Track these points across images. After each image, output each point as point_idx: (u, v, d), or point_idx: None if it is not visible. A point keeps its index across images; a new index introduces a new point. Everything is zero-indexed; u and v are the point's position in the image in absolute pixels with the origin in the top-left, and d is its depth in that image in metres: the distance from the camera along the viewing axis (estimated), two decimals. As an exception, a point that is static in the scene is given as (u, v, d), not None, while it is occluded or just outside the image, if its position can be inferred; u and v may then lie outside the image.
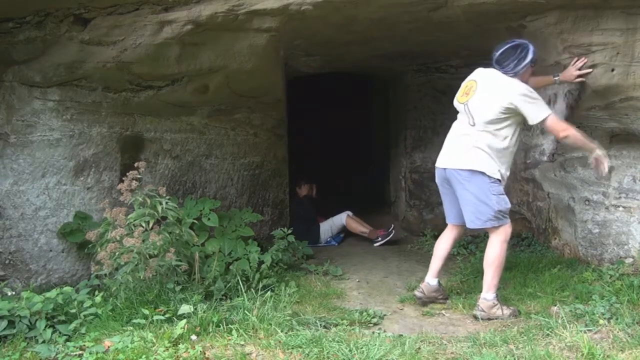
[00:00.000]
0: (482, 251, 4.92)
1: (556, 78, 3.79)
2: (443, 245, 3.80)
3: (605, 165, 3.45)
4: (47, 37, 3.60)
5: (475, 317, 3.39)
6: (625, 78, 3.58)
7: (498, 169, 3.41)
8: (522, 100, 3.34)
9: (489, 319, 3.35)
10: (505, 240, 3.45)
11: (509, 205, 3.46)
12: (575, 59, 3.72)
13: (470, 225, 3.52)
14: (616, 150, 4.08)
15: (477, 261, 4.58)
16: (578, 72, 3.69)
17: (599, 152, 3.46)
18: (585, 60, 3.68)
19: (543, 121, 3.37)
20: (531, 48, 3.42)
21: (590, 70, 3.67)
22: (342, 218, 5.99)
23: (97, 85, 3.91)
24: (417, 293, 3.76)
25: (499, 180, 3.42)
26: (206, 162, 4.71)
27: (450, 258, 5.04)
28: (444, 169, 3.57)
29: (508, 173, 3.53)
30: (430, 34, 4.48)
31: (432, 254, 5.27)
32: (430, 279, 3.74)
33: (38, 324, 2.90)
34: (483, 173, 3.37)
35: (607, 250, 4.15)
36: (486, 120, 3.39)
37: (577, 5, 3.57)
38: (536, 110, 3.36)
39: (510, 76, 3.41)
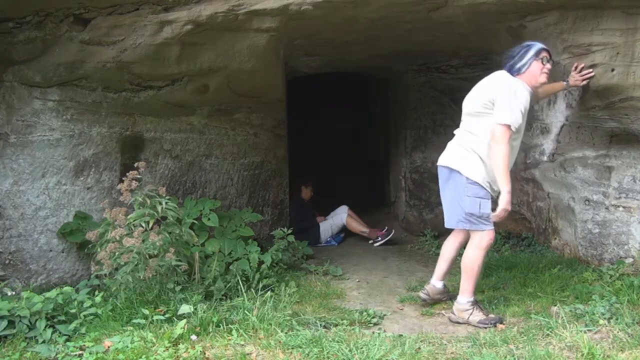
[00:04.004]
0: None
1: (566, 83, 3.74)
2: (449, 247, 3.66)
3: (503, 212, 3.18)
4: (47, 37, 3.60)
5: (450, 319, 3.41)
6: (625, 78, 3.57)
7: (482, 173, 3.26)
8: (502, 93, 3.20)
9: (458, 323, 3.35)
10: (480, 246, 3.30)
11: (487, 211, 3.26)
12: (575, 64, 3.70)
13: (445, 224, 3.47)
14: (616, 150, 4.08)
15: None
16: (581, 77, 3.67)
17: (505, 196, 3.16)
18: (583, 65, 3.66)
19: (497, 124, 3.17)
20: (536, 45, 3.32)
21: (592, 73, 3.64)
22: (343, 218, 5.99)
23: (97, 85, 3.90)
24: (421, 294, 3.71)
25: (477, 183, 3.26)
26: (206, 162, 4.72)
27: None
28: (437, 166, 3.56)
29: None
30: (430, 34, 4.49)
31: (432, 254, 5.33)
32: (436, 281, 3.67)
33: (38, 324, 2.90)
34: (459, 172, 3.30)
35: (607, 250, 4.15)
36: (468, 112, 3.37)
37: (577, 5, 3.57)
38: (504, 111, 3.17)
39: (514, 75, 3.31)
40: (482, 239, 3.30)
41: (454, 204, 3.36)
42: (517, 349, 2.71)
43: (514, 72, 3.31)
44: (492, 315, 3.33)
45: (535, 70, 3.31)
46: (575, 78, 3.69)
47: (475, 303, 3.37)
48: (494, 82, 3.32)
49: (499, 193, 3.24)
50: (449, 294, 3.72)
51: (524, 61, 3.30)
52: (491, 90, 3.28)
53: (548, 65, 3.33)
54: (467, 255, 3.36)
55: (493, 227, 3.32)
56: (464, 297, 3.36)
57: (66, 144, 3.90)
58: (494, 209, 3.28)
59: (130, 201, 3.44)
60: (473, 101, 3.36)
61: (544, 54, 3.32)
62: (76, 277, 3.93)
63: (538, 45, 3.32)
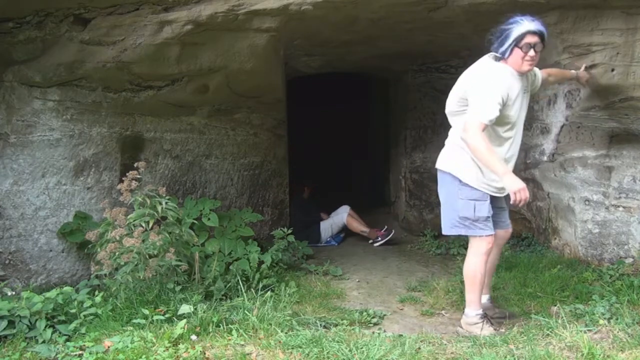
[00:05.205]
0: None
1: (573, 72, 3.60)
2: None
3: (517, 195, 2.82)
4: (47, 37, 3.60)
5: (457, 333, 3.19)
6: (625, 78, 3.58)
7: (475, 173, 3.04)
8: (473, 88, 2.95)
9: (467, 337, 3.07)
10: (478, 253, 3.09)
11: (484, 214, 3.04)
12: (584, 64, 3.63)
13: (442, 230, 3.25)
14: (616, 150, 4.08)
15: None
16: (587, 75, 3.61)
17: (505, 180, 2.87)
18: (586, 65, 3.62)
19: (469, 119, 2.92)
20: (517, 27, 2.90)
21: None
22: (343, 217, 6.00)
23: (97, 85, 3.91)
24: None
25: (469, 185, 3.04)
26: (206, 162, 4.72)
27: (450, 258, 5.08)
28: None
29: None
30: (430, 34, 4.49)
31: (432, 254, 5.32)
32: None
33: (38, 324, 2.89)
34: (451, 174, 3.10)
35: (607, 250, 4.15)
36: (449, 111, 3.17)
37: (577, 5, 3.57)
38: (474, 108, 2.91)
39: (497, 60, 3.02)
40: (479, 246, 3.10)
41: (446, 209, 3.18)
42: (517, 349, 2.71)
43: (499, 55, 3.01)
44: (502, 330, 3.14)
45: (516, 58, 2.95)
46: (584, 75, 3.62)
47: (485, 316, 3.18)
48: (467, 77, 3.07)
49: (503, 194, 3.13)
50: (499, 311, 3.39)
51: (504, 47, 2.95)
52: (464, 85, 3.05)
53: (531, 53, 2.92)
54: (465, 266, 3.18)
55: (492, 232, 3.09)
56: (472, 309, 3.18)
57: (66, 144, 3.90)
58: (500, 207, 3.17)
59: (130, 201, 3.44)
60: (450, 100, 3.15)
61: (527, 39, 2.90)
62: (76, 277, 3.93)
63: (519, 29, 2.90)
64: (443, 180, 3.20)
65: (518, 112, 3.06)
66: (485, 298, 3.37)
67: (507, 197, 3.19)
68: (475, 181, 3.05)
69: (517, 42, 2.92)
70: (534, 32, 2.91)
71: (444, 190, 3.21)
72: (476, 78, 3.01)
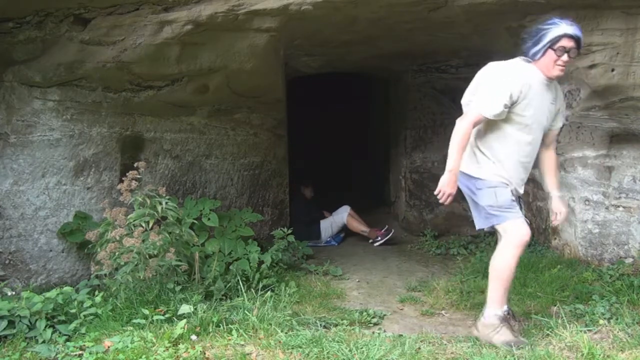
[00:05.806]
0: (482, 251, 4.95)
1: (555, 193, 3.32)
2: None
3: (443, 189, 2.83)
4: (47, 37, 3.60)
5: (477, 338, 2.93)
6: (625, 78, 3.58)
7: (492, 169, 2.94)
8: (484, 81, 2.92)
9: (467, 337, 2.98)
10: (508, 243, 2.85)
11: (507, 198, 2.89)
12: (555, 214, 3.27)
13: (476, 226, 3.10)
14: (616, 150, 4.08)
15: (477, 261, 4.58)
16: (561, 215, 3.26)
17: (445, 175, 2.85)
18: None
19: (471, 108, 2.92)
20: (554, 29, 2.81)
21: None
22: (344, 217, 6.01)
23: (97, 85, 3.90)
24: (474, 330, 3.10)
25: (484, 179, 2.94)
26: (206, 162, 4.72)
27: (450, 258, 5.09)
28: None
29: (512, 173, 2.99)
30: (430, 34, 4.49)
31: (432, 254, 5.32)
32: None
33: (38, 324, 2.89)
34: (463, 172, 2.98)
35: (607, 250, 4.15)
36: (464, 102, 3.08)
37: (577, 5, 3.58)
38: (479, 99, 2.89)
39: (531, 61, 2.92)
40: (509, 234, 2.86)
41: (473, 205, 3.04)
42: (517, 349, 2.71)
43: (530, 57, 2.91)
44: (522, 339, 2.81)
45: (548, 61, 2.85)
46: (558, 212, 3.28)
47: (505, 319, 2.85)
48: (487, 69, 3.01)
49: (519, 195, 3.05)
50: (517, 318, 3.10)
51: (537, 48, 2.85)
52: (478, 78, 3.01)
53: (564, 57, 2.82)
54: (494, 259, 2.89)
55: (521, 217, 2.90)
56: (492, 309, 2.86)
57: (66, 144, 3.90)
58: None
59: (130, 201, 3.43)
60: (467, 91, 3.08)
61: (563, 42, 2.80)
62: (76, 277, 3.93)
63: (557, 31, 2.81)
64: (461, 180, 3.00)
65: (535, 116, 2.92)
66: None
67: (521, 202, 3.15)
68: (491, 175, 2.94)
69: (552, 44, 2.83)
70: (571, 36, 2.82)
71: (464, 189, 3.05)
72: (494, 70, 2.95)
